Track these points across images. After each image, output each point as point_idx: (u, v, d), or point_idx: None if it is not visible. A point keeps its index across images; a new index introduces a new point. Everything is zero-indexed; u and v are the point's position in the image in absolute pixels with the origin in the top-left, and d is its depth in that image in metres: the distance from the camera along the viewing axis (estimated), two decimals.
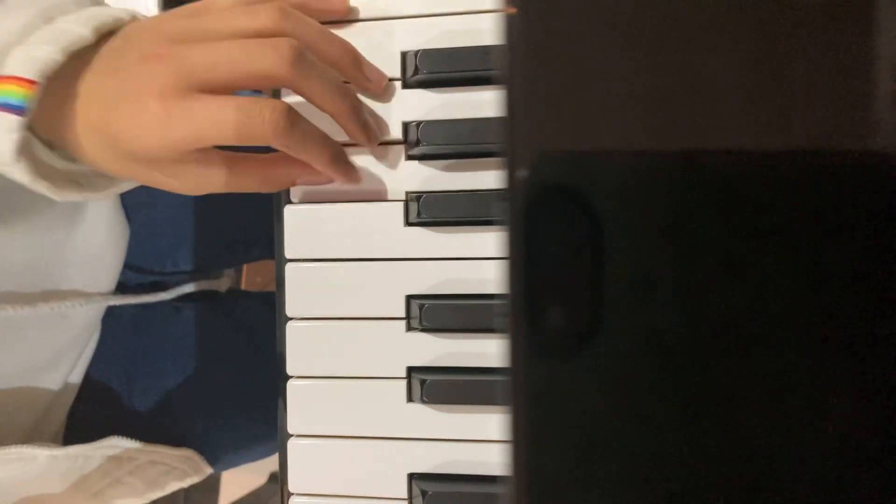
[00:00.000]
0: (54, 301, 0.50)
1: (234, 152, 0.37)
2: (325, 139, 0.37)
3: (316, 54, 0.36)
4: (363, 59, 0.38)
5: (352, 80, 0.38)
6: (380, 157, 0.40)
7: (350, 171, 0.39)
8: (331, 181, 0.39)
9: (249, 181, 0.37)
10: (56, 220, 0.50)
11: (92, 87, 0.35)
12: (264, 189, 0.38)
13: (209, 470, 0.60)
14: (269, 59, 0.33)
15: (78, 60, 0.35)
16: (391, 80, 0.39)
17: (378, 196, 0.40)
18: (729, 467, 0.26)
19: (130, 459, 0.53)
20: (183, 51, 0.33)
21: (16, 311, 0.46)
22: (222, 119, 0.32)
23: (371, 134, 0.39)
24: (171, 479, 0.56)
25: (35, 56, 0.33)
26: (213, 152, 0.36)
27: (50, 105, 0.35)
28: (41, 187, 0.36)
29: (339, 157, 0.38)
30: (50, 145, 0.37)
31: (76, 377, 0.58)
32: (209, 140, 0.33)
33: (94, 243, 0.54)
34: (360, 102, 0.38)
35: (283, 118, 0.33)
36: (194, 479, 0.59)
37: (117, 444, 0.52)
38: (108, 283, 0.58)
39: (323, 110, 0.36)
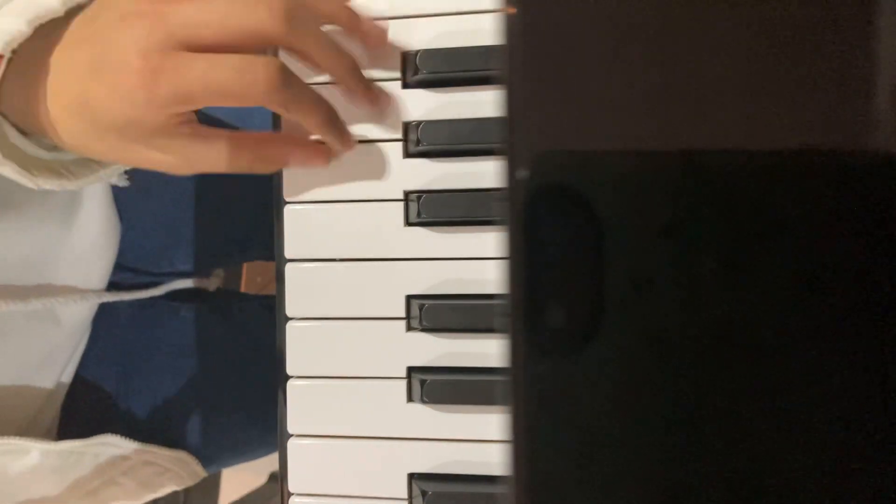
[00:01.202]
0: (47, 297, 0.49)
1: (225, 129, 0.36)
2: (320, 98, 0.36)
3: (311, 11, 0.34)
4: (360, 13, 0.37)
5: (351, 33, 0.37)
6: (384, 110, 0.39)
7: (346, 134, 0.38)
8: (323, 164, 0.38)
9: (241, 157, 0.36)
10: (50, 215, 0.50)
11: (65, 59, 0.33)
12: (257, 167, 0.37)
13: (203, 473, 0.60)
14: (260, 15, 0.31)
15: (49, 37, 0.33)
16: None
17: (378, 195, 0.40)
18: (729, 467, 0.26)
19: (124, 459, 0.53)
20: (168, 8, 0.31)
21: (8, 306, 0.46)
22: (214, 76, 0.31)
23: (373, 95, 0.37)
24: (166, 480, 0.56)
25: (0, 28, 0.31)
26: (203, 126, 0.35)
27: (21, 86, 0.33)
28: (9, 170, 0.34)
29: (334, 119, 0.37)
30: (23, 132, 0.36)
31: (68, 376, 0.57)
32: (198, 100, 0.31)
33: (86, 240, 0.54)
34: (357, 63, 0.37)
35: (278, 74, 0.32)
36: (188, 483, 0.58)
37: (110, 442, 0.51)
38: (100, 280, 0.58)
39: (320, 69, 0.35)
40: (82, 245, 0.54)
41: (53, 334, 0.53)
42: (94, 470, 0.52)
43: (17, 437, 0.46)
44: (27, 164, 0.36)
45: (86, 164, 0.40)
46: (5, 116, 0.35)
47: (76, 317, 0.55)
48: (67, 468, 0.50)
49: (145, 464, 0.54)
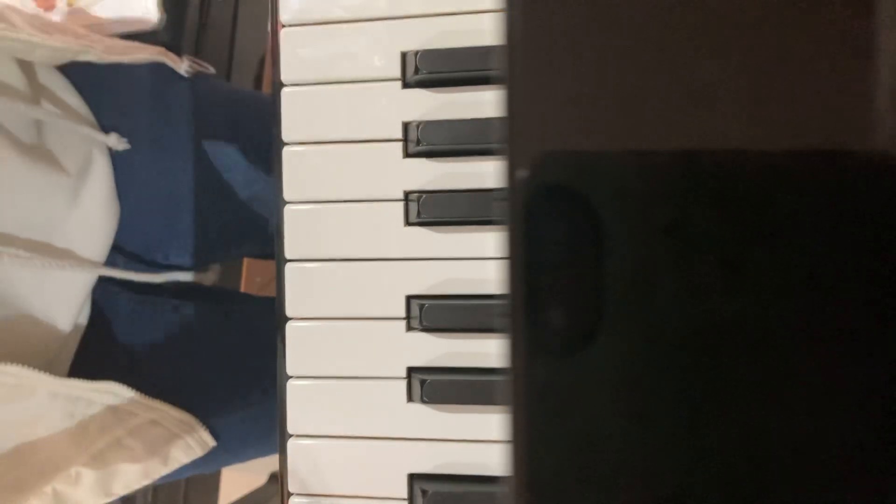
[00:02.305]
0: (50, 257, 0.50)
1: None
2: None
3: None
4: None
5: None
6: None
7: None
8: None
9: None
10: (58, 187, 0.51)
11: None
12: None
13: (212, 442, 0.59)
14: None
15: None
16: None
17: (378, 195, 0.40)
18: (730, 467, 0.26)
19: (131, 414, 0.53)
20: None
21: (11, 261, 0.47)
22: None
23: None
24: (174, 449, 0.56)
25: None
26: None
27: None
28: None
29: None
30: None
31: (84, 318, 0.58)
32: None
33: (86, 217, 0.55)
34: None
35: None
36: (197, 453, 0.58)
37: (117, 392, 0.52)
38: (95, 258, 0.59)
39: None
40: (83, 220, 0.55)
41: (52, 292, 0.53)
42: (101, 423, 0.51)
43: (23, 367, 0.46)
44: None
45: None
46: None
47: (73, 287, 0.56)
48: (75, 414, 0.50)
49: (152, 423, 0.54)
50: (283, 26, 0.40)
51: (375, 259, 0.40)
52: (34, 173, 0.49)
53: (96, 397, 0.51)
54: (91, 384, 0.51)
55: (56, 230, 0.53)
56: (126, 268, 0.61)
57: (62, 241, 0.54)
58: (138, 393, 0.53)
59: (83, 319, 0.59)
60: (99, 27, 0.79)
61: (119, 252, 0.62)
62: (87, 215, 0.55)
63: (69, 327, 0.57)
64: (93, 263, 0.57)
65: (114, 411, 0.52)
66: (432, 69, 0.38)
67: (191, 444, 0.58)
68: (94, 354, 0.59)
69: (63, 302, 0.55)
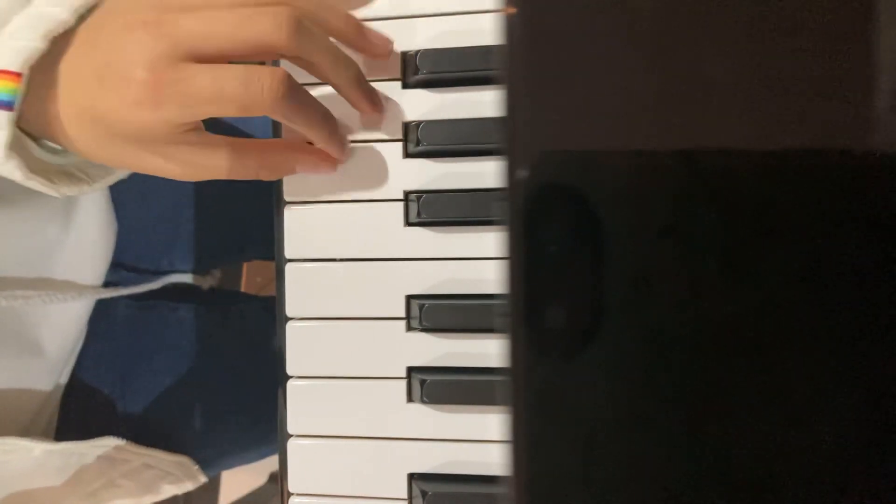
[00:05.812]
0: (49, 290, 0.50)
1: (231, 137, 0.36)
2: (322, 110, 0.36)
3: (317, 24, 0.34)
4: (365, 26, 0.37)
5: (356, 47, 0.37)
6: (383, 114, 0.39)
7: (345, 146, 0.38)
8: (330, 171, 0.39)
9: (248, 165, 0.36)
10: (49, 214, 0.50)
11: (74, 67, 0.33)
12: (263, 175, 0.37)
13: (203, 478, 0.60)
14: (267, 26, 0.31)
15: (58, 45, 0.33)
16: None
17: (378, 195, 0.40)
18: (729, 468, 0.26)
19: (125, 461, 0.53)
20: (172, 18, 0.31)
21: (7, 301, 0.46)
22: (218, 88, 0.31)
23: (376, 101, 0.38)
24: (166, 483, 0.56)
25: (15, 46, 0.31)
26: (210, 134, 0.35)
27: (32, 94, 0.33)
28: (36, 184, 0.35)
29: (334, 130, 0.37)
30: (36, 138, 0.36)
31: (65, 377, 0.58)
32: (204, 112, 0.32)
33: (83, 239, 0.54)
34: (361, 71, 0.37)
35: (283, 85, 0.32)
36: (189, 487, 0.58)
37: (112, 444, 0.52)
38: (96, 279, 0.58)
39: (326, 81, 0.36)
40: (79, 243, 0.54)
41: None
42: (96, 470, 0.52)
43: (20, 438, 0.46)
44: (48, 172, 0.36)
45: (101, 166, 0.40)
46: (22, 128, 0.35)
47: (71, 316, 0.55)
48: (69, 467, 0.50)
49: (146, 467, 0.54)
50: None
51: (375, 259, 0.40)
52: (21, 208, 0.48)
53: (91, 451, 0.51)
54: (86, 443, 0.50)
55: (53, 259, 0.52)
56: (128, 282, 0.61)
57: (61, 270, 0.53)
58: (132, 443, 0.53)
59: (79, 346, 0.59)
60: None
61: (121, 266, 0.62)
62: (83, 235, 0.54)
63: (68, 354, 0.57)
64: (94, 289, 0.57)
65: (108, 458, 0.52)
66: (432, 69, 0.38)
67: (183, 479, 0.58)
68: (90, 363, 0.59)
69: (65, 331, 0.55)
